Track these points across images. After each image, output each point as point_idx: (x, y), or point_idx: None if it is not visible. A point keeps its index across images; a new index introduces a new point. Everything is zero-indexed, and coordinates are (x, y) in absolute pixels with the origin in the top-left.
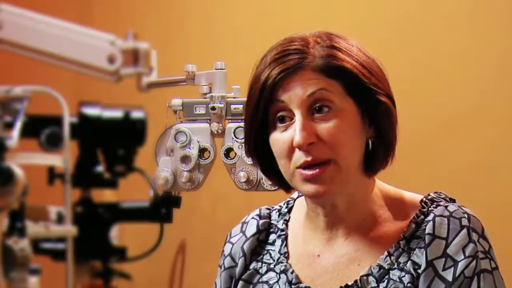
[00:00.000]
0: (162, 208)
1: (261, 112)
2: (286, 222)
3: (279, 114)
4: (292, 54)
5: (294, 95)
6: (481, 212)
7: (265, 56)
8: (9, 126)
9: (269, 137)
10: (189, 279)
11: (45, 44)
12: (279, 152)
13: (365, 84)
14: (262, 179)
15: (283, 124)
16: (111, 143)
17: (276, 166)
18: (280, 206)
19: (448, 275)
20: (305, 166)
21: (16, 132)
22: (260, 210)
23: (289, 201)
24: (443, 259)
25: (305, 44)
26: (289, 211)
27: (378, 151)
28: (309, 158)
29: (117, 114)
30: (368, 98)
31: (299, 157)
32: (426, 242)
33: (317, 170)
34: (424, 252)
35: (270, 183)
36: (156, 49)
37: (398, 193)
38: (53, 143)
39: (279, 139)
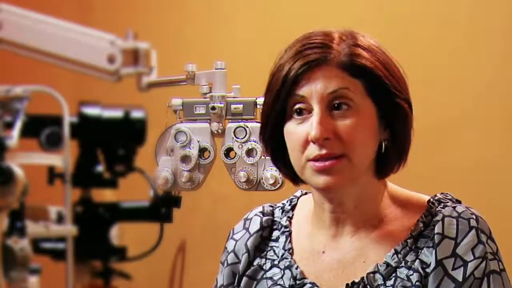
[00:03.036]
0: (162, 208)
1: (280, 103)
2: (290, 219)
3: (297, 106)
4: (316, 48)
5: (315, 91)
6: (483, 212)
7: (289, 48)
8: (9, 126)
9: (284, 127)
10: (189, 279)
11: (45, 44)
12: (293, 144)
13: (387, 86)
14: (262, 179)
15: (300, 117)
16: (111, 143)
17: (287, 156)
18: (283, 203)
19: (458, 275)
20: (318, 159)
21: (16, 132)
22: (263, 207)
23: (292, 199)
24: (453, 259)
25: (330, 39)
26: (293, 208)
27: (391, 155)
28: (323, 152)
29: (117, 114)
30: (387, 101)
31: (313, 150)
32: (436, 241)
33: (329, 162)
34: (434, 251)
35: (270, 183)
36: (156, 49)
37: (405, 193)
38: (53, 143)
39: (295, 131)
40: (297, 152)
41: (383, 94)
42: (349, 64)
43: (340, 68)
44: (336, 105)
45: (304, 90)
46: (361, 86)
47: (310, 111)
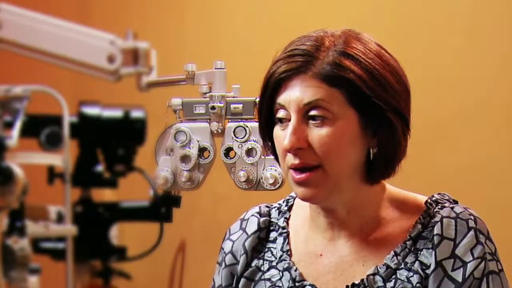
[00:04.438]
0: (162, 207)
1: (266, 107)
2: (287, 220)
3: (278, 115)
4: (300, 56)
5: (292, 101)
6: (480, 212)
7: (284, 48)
8: (9, 125)
9: (273, 130)
10: (189, 279)
11: (45, 44)
12: (278, 149)
13: (369, 96)
14: (261, 179)
15: (282, 124)
16: (111, 143)
17: None
18: (279, 204)
19: (458, 275)
20: (295, 168)
21: (16, 131)
22: (259, 207)
23: (288, 199)
24: (452, 260)
25: (318, 46)
26: (289, 209)
27: (378, 162)
28: (296, 162)
29: (117, 113)
30: (371, 110)
31: (289, 159)
32: (435, 242)
33: (305, 175)
34: (433, 252)
35: (270, 182)
36: (156, 49)
37: (402, 194)
38: (53, 143)
39: (278, 136)
40: (281, 157)
41: (366, 104)
42: (328, 74)
43: (318, 78)
44: (312, 115)
45: (282, 98)
46: (341, 96)
47: (290, 118)
